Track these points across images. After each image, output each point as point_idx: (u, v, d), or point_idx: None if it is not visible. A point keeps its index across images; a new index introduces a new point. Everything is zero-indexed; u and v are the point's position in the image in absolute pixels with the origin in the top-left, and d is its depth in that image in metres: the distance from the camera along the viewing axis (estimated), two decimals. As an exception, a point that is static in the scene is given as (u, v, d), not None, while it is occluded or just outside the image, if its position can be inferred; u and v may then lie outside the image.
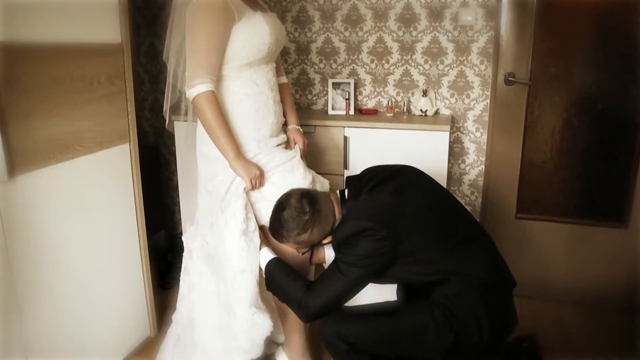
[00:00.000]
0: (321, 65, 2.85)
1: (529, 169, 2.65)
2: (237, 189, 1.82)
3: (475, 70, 2.61)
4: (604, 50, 2.46)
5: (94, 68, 1.93)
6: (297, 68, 2.88)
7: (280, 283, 1.70)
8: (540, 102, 2.56)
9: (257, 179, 1.79)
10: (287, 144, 2.05)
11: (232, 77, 1.82)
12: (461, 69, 2.64)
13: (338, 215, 1.69)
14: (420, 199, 1.65)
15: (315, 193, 1.71)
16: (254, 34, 1.77)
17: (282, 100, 2.04)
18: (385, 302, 1.77)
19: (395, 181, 1.68)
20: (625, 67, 2.43)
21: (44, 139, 1.72)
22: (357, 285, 1.60)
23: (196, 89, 1.70)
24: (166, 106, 2.06)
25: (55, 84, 1.76)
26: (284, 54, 2.83)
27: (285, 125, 2.07)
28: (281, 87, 2.07)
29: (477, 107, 2.66)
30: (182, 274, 2.07)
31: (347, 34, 2.75)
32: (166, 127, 2.13)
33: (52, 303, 1.81)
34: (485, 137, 2.67)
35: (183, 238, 2.09)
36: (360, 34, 2.73)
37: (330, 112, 2.70)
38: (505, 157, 2.65)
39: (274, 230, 1.67)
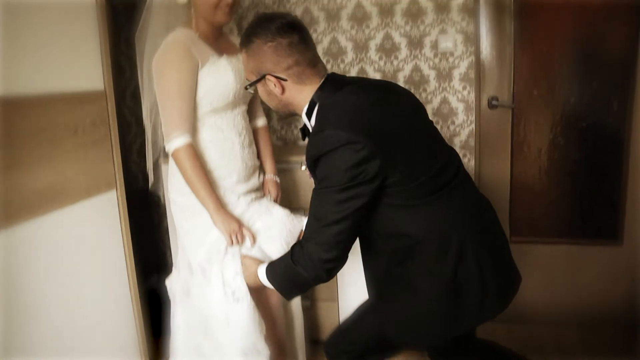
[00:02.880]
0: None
1: (519, 191, 2.65)
2: (218, 247, 1.80)
3: (458, 96, 2.63)
4: (583, 68, 2.50)
5: (78, 115, 1.91)
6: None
7: (282, 274, 1.50)
8: (525, 123, 2.58)
9: (237, 233, 1.75)
10: (262, 190, 2.03)
11: (196, 125, 1.81)
12: (444, 95, 2.65)
13: (307, 93, 1.44)
14: (408, 122, 1.43)
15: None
16: (218, 80, 1.76)
17: (258, 146, 2.03)
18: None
19: (383, 91, 1.48)
20: (606, 81, 2.46)
21: (27, 191, 1.68)
22: (353, 214, 1.31)
23: (173, 143, 1.70)
24: (149, 163, 2.06)
25: (38, 134, 1.73)
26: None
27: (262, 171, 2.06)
28: (258, 132, 2.06)
29: (462, 132, 2.67)
30: (171, 319, 2.03)
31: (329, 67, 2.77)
32: (150, 187, 2.12)
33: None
34: (472, 162, 2.67)
35: (166, 282, 2.04)
36: (342, 65, 2.75)
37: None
38: (494, 181, 2.65)
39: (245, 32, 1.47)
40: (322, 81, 1.44)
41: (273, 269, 1.52)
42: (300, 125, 1.58)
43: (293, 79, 1.41)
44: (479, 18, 2.55)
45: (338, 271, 1.41)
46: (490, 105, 2.57)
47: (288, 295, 1.54)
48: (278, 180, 2.07)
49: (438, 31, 2.60)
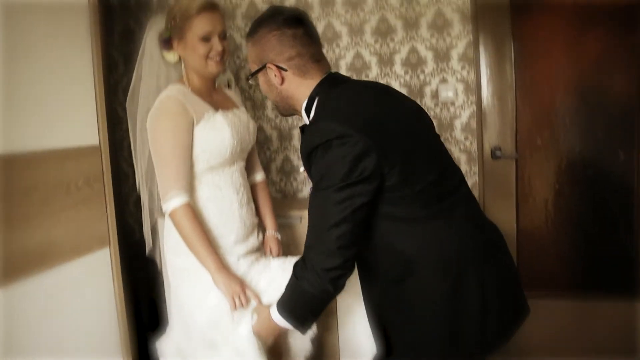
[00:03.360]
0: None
1: (526, 243, 2.57)
2: (220, 310, 1.69)
3: (460, 147, 2.58)
4: (587, 117, 2.46)
5: (71, 172, 1.87)
6: (280, 155, 2.84)
7: (289, 299, 1.40)
8: (530, 173, 2.52)
9: (240, 295, 1.65)
10: (262, 248, 1.95)
11: (193, 183, 1.74)
12: (446, 146, 2.59)
13: (307, 87, 1.41)
14: (407, 126, 1.38)
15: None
16: (214, 137, 1.70)
17: (257, 202, 1.97)
18: None
19: (384, 92, 1.46)
20: (611, 130, 2.42)
21: (16, 252, 1.62)
22: (352, 215, 1.23)
23: (171, 203, 1.64)
24: (146, 228, 2.01)
25: (28, 193, 1.68)
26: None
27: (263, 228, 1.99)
28: (257, 187, 2.01)
29: (466, 183, 2.61)
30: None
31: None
32: (147, 253, 2.06)
33: None
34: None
35: (157, 343, 1.93)
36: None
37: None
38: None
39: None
40: (323, 77, 1.41)
41: (282, 299, 1.42)
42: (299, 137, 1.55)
43: (294, 70, 1.39)
44: (480, 67, 2.53)
45: (345, 281, 1.32)
46: (494, 156, 2.52)
47: (302, 324, 1.42)
48: (279, 236, 2.00)
49: (438, 80, 2.57)
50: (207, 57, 1.70)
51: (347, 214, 1.23)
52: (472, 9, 2.52)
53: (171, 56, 1.79)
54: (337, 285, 1.31)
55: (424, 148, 1.37)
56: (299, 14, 1.43)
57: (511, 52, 2.50)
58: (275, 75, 1.40)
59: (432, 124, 1.52)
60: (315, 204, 1.31)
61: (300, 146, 1.35)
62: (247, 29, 1.48)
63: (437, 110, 2.59)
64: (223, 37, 1.72)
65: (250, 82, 1.51)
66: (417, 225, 1.31)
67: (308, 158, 1.31)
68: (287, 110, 1.51)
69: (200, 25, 1.68)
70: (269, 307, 1.50)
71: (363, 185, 1.22)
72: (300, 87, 1.41)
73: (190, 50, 1.71)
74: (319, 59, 1.43)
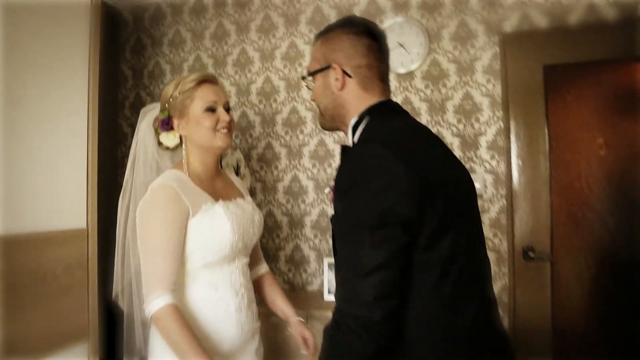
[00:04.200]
0: (316, 242, 2.60)
1: (564, 348, 2.26)
2: None
3: (489, 244, 2.33)
4: (628, 209, 2.22)
5: (49, 259, 1.68)
6: (290, 243, 2.62)
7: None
8: (566, 275, 2.25)
9: None
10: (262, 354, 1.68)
11: (185, 281, 1.52)
12: (473, 241, 2.35)
13: (363, 102, 1.27)
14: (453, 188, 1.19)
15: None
16: (212, 231, 1.49)
17: (267, 295, 1.75)
18: None
19: (438, 141, 1.29)
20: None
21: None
22: (393, 258, 1.03)
23: (153, 305, 1.40)
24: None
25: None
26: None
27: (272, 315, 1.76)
28: (263, 278, 1.77)
29: (494, 286, 2.33)
30: None
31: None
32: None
33: None
34: (506, 321, 2.31)
35: None
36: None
37: (327, 297, 2.36)
38: (534, 339, 2.27)
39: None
40: (382, 100, 1.29)
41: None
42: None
43: (358, 80, 1.27)
44: (511, 157, 2.32)
45: (387, 340, 1.06)
46: (526, 257, 2.25)
47: None
48: (304, 320, 1.74)
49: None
50: (214, 129, 1.55)
51: (387, 258, 1.03)
52: (503, 93, 2.34)
53: (170, 138, 1.61)
54: (379, 345, 1.05)
55: (466, 211, 1.21)
56: (378, 29, 1.33)
57: (545, 142, 2.28)
58: (336, 78, 1.27)
59: (476, 193, 1.32)
60: (346, 245, 1.10)
61: (339, 170, 1.15)
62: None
63: (463, 201, 2.36)
64: (227, 108, 1.60)
65: (305, 81, 1.38)
66: (426, 298, 1.09)
67: (346, 184, 1.10)
68: (333, 121, 1.34)
69: (204, 95, 1.55)
70: None
71: (404, 226, 1.03)
72: (357, 100, 1.28)
73: (194, 125, 1.55)
74: (384, 79, 1.32)
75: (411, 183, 1.04)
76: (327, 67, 1.29)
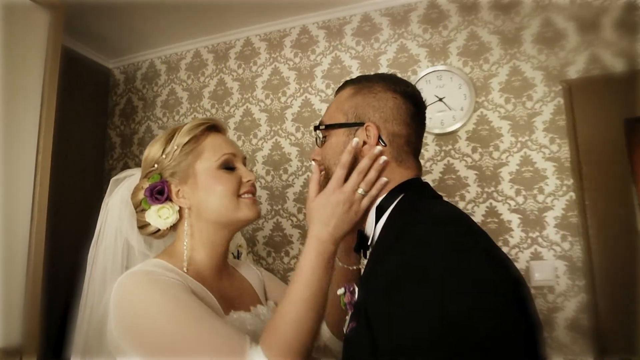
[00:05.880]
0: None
1: None
2: None
3: (565, 353, 1.76)
4: None
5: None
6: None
7: None
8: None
9: None
10: None
11: None
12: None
13: (393, 177, 0.96)
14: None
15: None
16: None
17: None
18: None
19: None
20: None
21: None
22: None
23: None
24: None
25: None
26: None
27: None
28: None
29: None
30: None
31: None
32: None
33: None
34: None
35: None
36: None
37: None
38: None
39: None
40: (411, 177, 0.98)
41: None
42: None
43: (392, 149, 0.97)
44: (589, 237, 1.78)
45: None
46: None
47: None
48: None
49: (529, 256, 1.84)
50: (236, 194, 1.09)
51: None
52: (572, 156, 1.84)
53: (165, 215, 1.09)
54: None
55: None
56: (422, 97, 1.05)
57: (635, 216, 1.75)
58: (365, 142, 0.97)
59: None
60: None
61: (371, 268, 0.84)
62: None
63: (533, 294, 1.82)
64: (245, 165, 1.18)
65: (318, 131, 1.05)
66: None
67: (392, 289, 0.73)
68: None
69: (217, 147, 1.12)
70: None
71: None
72: (388, 174, 0.96)
73: (206, 190, 1.09)
74: (417, 154, 1.04)
75: (509, 291, 0.72)
76: (359, 124, 0.98)
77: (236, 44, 2.43)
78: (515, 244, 1.86)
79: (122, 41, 2.46)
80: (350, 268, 1.11)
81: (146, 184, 1.10)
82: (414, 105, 1.01)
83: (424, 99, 1.05)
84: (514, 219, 1.87)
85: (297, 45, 2.31)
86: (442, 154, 2.01)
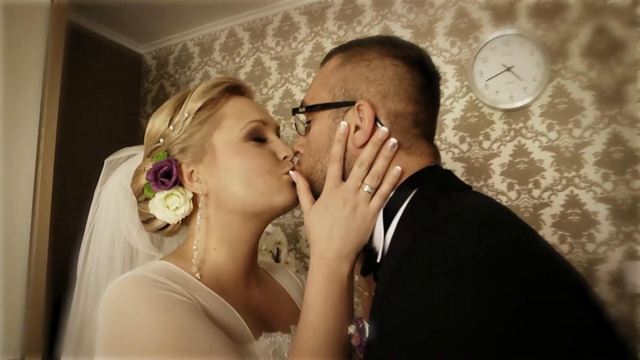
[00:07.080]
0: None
1: None
2: None
3: None
4: None
5: None
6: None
7: None
8: None
9: None
10: None
11: None
12: None
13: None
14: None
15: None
16: None
17: None
18: None
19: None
20: None
21: None
22: None
23: None
24: None
25: None
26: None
27: None
28: None
29: None
30: None
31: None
32: None
33: None
34: None
35: None
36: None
37: None
38: None
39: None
40: (427, 166, 0.74)
41: None
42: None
43: (395, 134, 0.73)
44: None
45: None
46: None
47: None
48: None
49: (622, 254, 1.51)
50: (271, 173, 0.83)
51: None
52: None
53: (175, 204, 0.81)
54: None
55: None
56: (432, 63, 0.80)
57: None
58: (358, 126, 0.74)
59: None
60: None
61: (383, 303, 0.58)
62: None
63: (622, 306, 1.50)
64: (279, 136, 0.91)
65: (295, 117, 0.82)
66: None
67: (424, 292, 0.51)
68: None
69: (241, 113, 0.85)
70: None
71: None
72: (394, 164, 0.74)
73: (227, 170, 0.81)
74: (431, 138, 0.79)
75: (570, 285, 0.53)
76: (348, 104, 0.74)
77: (274, 20, 2.21)
78: (602, 240, 1.54)
79: (153, 24, 2.29)
80: None
81: (149, 165, 0.82)
82: (421, 74, 0.76)
83: (436, 67, 0.80)
84: (601, 210, 1.55)
85: (340, 17, 2.07)
86: (512, 133, 1.70)
